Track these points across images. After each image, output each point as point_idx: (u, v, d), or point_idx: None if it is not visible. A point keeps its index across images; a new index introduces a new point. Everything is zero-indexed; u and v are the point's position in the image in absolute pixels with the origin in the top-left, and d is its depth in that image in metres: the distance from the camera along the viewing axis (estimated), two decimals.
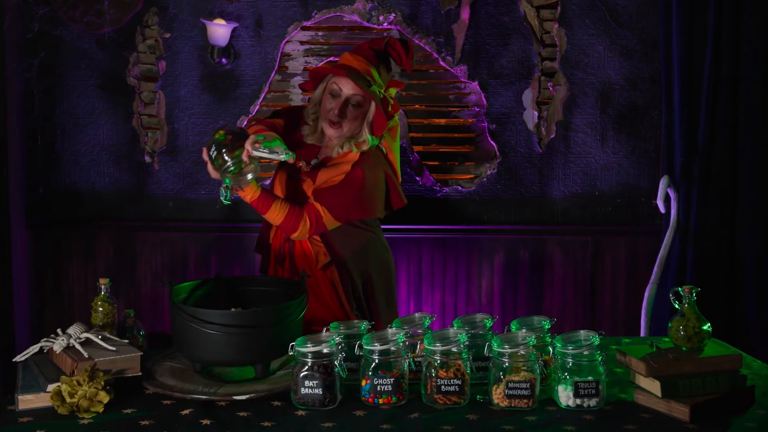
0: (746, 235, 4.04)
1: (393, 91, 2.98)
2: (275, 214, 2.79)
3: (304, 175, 2.89)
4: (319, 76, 2.91)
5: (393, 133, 3.01)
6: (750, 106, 3.96)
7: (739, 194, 4.03)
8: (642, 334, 4.00)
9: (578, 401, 2.20)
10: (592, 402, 2.20)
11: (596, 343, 2.22)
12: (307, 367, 2.17)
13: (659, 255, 4.01)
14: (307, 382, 2.17)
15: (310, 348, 2.18)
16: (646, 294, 4.01)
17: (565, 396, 2.21)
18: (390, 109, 2.92)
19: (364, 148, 2.89)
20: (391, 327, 2.36)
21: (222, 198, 2.64)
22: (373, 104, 2.84)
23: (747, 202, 4.02)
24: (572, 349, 2.21)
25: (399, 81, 3.04)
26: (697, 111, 3.98)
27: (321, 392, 2.17)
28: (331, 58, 4.23)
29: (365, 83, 2.82)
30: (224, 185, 2.63)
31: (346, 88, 2.81)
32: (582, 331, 2.29)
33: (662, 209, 3.97)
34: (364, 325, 2.43)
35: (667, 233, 4.01)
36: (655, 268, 4.01)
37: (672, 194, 3.98)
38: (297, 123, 2.98)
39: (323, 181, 2.86)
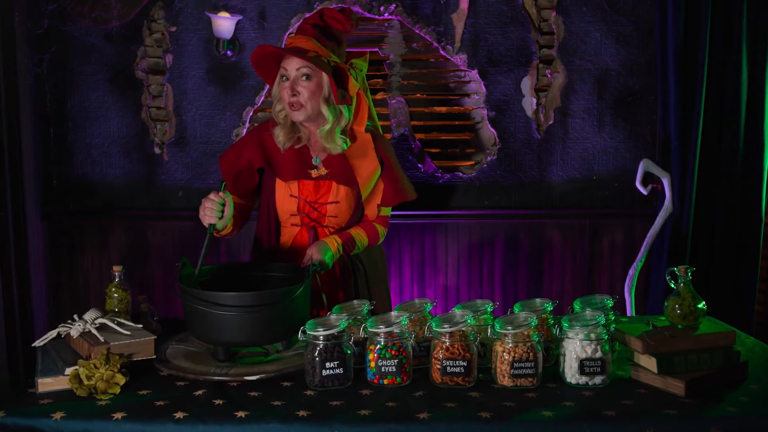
0: (735, 218, 4.09)
1: (360, 63, 2.90)
2: (362, 245, 2.88)
3: (322, 180, 2.83)
4: (266, 69, 2.80)
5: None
6: (743, 90, 4.00)
7: (733, 178, 4.07)
8: (628, 313, 4.03)
9: (585, 379, 2.23)
10: (598, 380, 2.22)
11: (602, 321, 2.24)
12: (325, 349, 2.21)
13: (647, 236, 4.04)
14: (327, 364, 2.20)
15: (324, 331, 2.21)
16: (630, 273, 4.05)
17: (570, 373, 2.23)
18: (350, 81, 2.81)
19: (344, 137, 2.81)
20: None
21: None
22: (324, 75, 2.72)
23: (738, 186, 4.08)
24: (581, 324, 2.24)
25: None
26: (693, 96, 4.00)
27: (342, 372, 2.22)
28: None
29: (305, 51, 2.71)
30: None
31: (290, 65, 2.72)
32: (587, 311, 2.33)
33: (644, 192, 3.98)
34: (367, 307, 2.45)
35: (659, 216, 4.03)
36: (642, 249, 4.04)
37: (665, 180, 4.00)
38: (263, 157, 2.84)
39: (367, 173, 2.84)
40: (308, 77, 2.72)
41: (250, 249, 3.07)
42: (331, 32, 2.81)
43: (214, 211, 2.57)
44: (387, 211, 2.99)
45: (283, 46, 3.00)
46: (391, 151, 2.95)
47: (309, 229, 2.85)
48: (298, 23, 4.24)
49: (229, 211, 2.61)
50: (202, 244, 4.25)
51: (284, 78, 2.75)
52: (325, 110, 2.75)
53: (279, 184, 2.85)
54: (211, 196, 2.58)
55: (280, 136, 2.83)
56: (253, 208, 2.96)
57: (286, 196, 2.84)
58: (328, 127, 2.78)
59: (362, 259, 2.96)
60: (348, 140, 2.82)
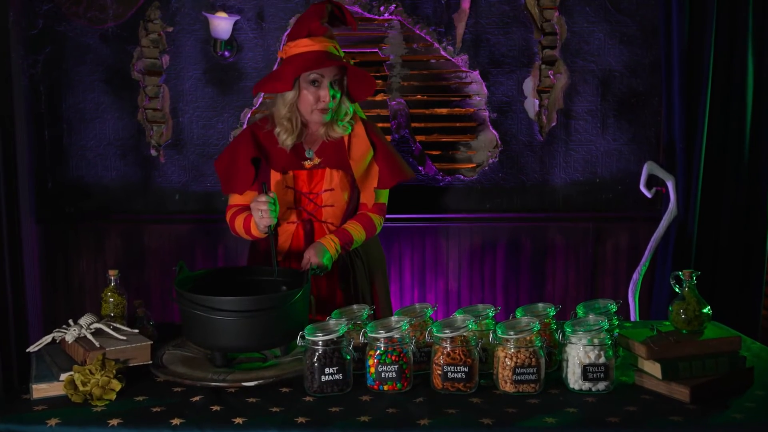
0: (741, 222, 4.08)
1: None
2: (359, 240, 2.89)
3: (316, 169, 2.89)
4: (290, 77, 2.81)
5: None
6: (749, 92, 3.99)
7: (739, 181, 4.05)
8: (632, 317, 4.02)
9: (588, 385, 2.22)
10: (601, 386, 2.22)
11: (606, 327, 2.24)
12: (324, 354, 2.20)
13: (651, 240, 4.03)
14: (327, 370, 2.20)
15: (323, 336, 2.20)
16: (634, 277, 4.03)
17: (573, 379, 2.23)
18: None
19: (351, 121, 2.92)
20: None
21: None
22: (344, 77, 2.85)
23: (744, 189, 4.06)
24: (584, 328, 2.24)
25: None
26: (698, 97, 3.98)
27: (341, 378, 2.21)
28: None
29: (340, 57, 2.82)
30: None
31: (329, 73, 2.78)
32: (591, 316, 2.33)
33: (648, 195, 3.96)
34: (366, 312, 2.45)
35: (663, 219, 4.02)
36: (646, 253, 4.03)
37: (669, 182, 3.98)
38: (256, 149, 2.90)
39: (359, 155, 2.90)
40: (339, 82, 2.83)
41: (247, 253, 3.09)
42: (333, 20, 2.91)
43: (271, 211, 2.65)
44: (384, 198, 3.01)
45: (281, 46, 3.00)
46: (382, 135, 3.02)
47: (305, 223, 2.88)
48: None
49: (278, 209, 2.70)
50: (200, 246, 4.26)
51: (315, 83, 2.80)
52: (347, 105, 2.87)
53: (274, 176, 2.86)
54: (261, 198, 2.66)
55: (288, 140, 2.87)
56: None
57: (281, 188, 2.85)
58: (347, 119, 2.89)
59: (360, 253, 2.99)
60: (354, 122, 2.93)
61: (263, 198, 2.64)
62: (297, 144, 2.90)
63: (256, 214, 2.67)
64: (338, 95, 2.82)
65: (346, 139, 2.91)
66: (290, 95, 2.82)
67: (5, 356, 3.82)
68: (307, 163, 2.89)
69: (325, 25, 2.83)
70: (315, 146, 2.91)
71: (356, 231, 2.87)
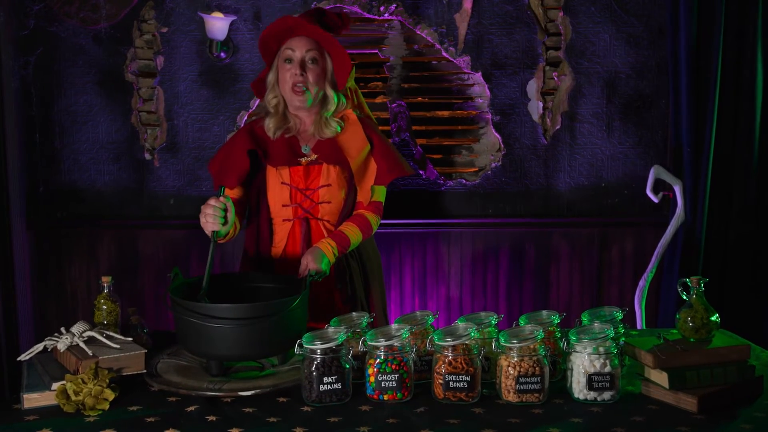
0: (750, 228, 4.05)
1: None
2: (356, 242, 2.85)
3: (312, 165, 2.87)
4: (270, 49, 2.86)
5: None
6: (758, 94, 3.97)
7: (748, 185, 4.03)
8: (638, 325, 4.02)
9: (593, 394, 2.20)
10: (607, 395, 2.20)
11: (611, 335, 2.23)
12: (322, 363, 2.18)
13: (658, 246, 4.02)
14: (325, 379, 2.18)
15: (322, 345, 2.19)
16: (641, 284, 4.02)
17: (578, 388, 2.21)
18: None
19: (340, 122, 2.89)
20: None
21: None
22: (329, 60, 2.84)
23: (753, 193, 4.04)
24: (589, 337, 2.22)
25: None
26: (706, 99, 3.96)
27: (340, 387, 2.19)
28: None
29: (318, 29, 2.81)
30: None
31: (299, 46, 2.80)
32: (596, 324, 2.31)
33: (655, 199, 3.96)
34: (366, 320, 2.43)
35: (671, 225, 4.00)
36: (653, 259, 4.02)
37: (676, 187, 3.97)
38: (252, 142, 2.89)
39: (356, 151, 2.87)
40: (315, 61, 2.82)
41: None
42: (329, 27, 2.91)
43: (217, 217, 2.56)
44: (381, 196, 2.97)
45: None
46: (378, 131, 3.00)
47: (302, 222, 2.87)
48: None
49: (231, 216, 2.60)
50: (195, 252, 4.22)
51: (288, 61, 2.81)
52: (331, 93, 2.85)
53: (270, 172, 2.87)
54: (212, 201, 2.56)
55: (270, 123, 2.88)
56: (247, 204, 2.97)
57: (277, 185, 2.86)
58: (333, 109, 2.87)
59: (356, 254, 2.98)
60: (342, 122, 2.90)
61: (213, 201, 2.55)
62: (293, 139, 2.89)
63: (201, 217, 2.57)
64: (320, 83, 2.82)
65: (342, 135, 2.89)
66: (271, 78, 2.87)
67: None
68: (304, 160, 2.87)
69: (311, 16, 2.87)
70: (311, 143, 2.90)
71: (353, 233, 2.84)
